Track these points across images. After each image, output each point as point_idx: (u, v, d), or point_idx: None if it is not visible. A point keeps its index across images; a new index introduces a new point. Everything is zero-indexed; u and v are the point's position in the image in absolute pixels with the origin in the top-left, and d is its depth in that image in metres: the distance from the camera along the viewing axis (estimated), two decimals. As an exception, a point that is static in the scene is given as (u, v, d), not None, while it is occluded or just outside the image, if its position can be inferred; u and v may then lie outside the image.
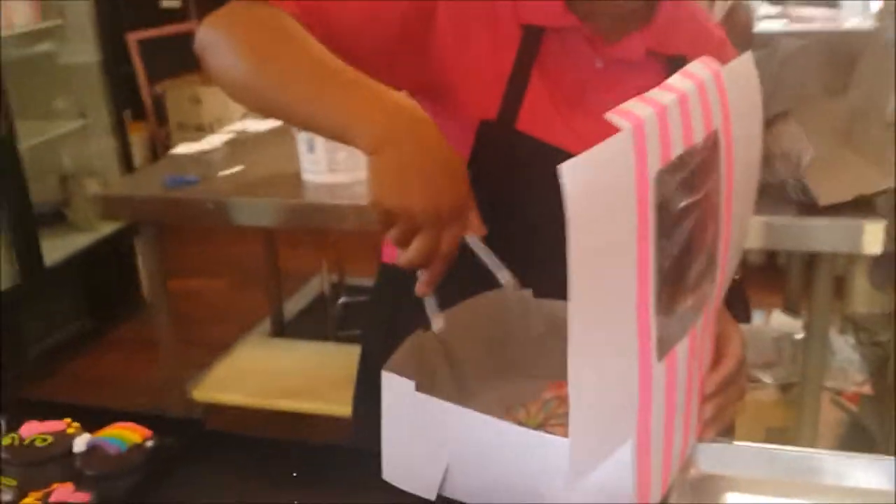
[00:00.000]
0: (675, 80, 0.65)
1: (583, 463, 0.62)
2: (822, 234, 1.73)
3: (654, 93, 0.62)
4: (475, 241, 0.78)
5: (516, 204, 0.92)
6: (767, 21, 3.08)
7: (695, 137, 0.64)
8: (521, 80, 0.92)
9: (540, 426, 0.86)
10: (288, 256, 3.07)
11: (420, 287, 0.77)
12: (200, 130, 3.81)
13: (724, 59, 0.69)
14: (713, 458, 0.84)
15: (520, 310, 0.90)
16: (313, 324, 3.04)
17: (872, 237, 1.67)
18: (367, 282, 1.17)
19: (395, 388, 0.76)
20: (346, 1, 0.87)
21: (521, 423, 0.87)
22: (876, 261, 1.98)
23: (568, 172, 0.52)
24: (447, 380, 0.87)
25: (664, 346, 0.66)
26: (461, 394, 0.87)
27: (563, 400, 0.84)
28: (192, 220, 2.19)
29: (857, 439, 2.15)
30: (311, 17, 0.84)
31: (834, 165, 1.75)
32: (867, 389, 2.28)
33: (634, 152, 0.57)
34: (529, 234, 0.88)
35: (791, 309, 2.70)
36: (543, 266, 0.73)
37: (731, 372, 0.80)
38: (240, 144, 2.41)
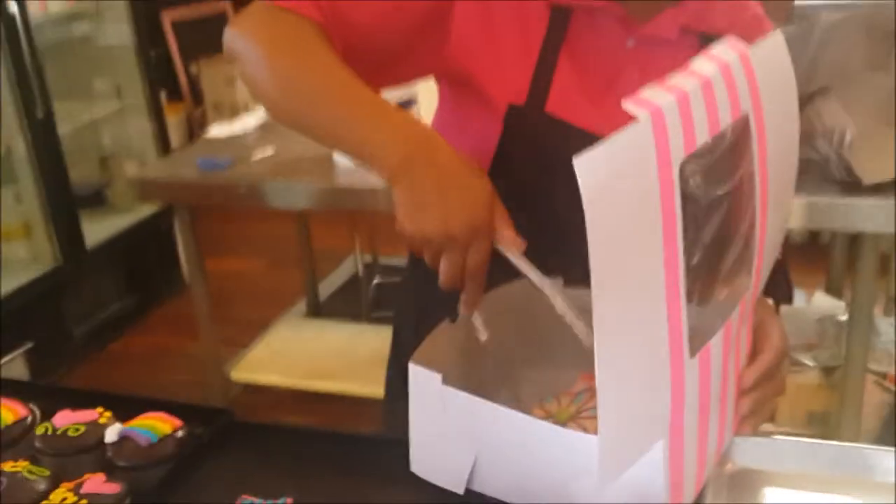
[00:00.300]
0: (699, 63, 0.62)
1: (612, 465, 0.61)
2: (865, 214, 1.68)
3: (676, 79, 0.60)
4: (514, 256, 0.77)
5: (547, 189, 0.90)
6: (809, -9, 2.98)
7: (721, 123, 0.61)
8: (550, 63, 0.89)
9: (571, 418, 0.85)
10: (321, 236, 3.08)
11: (462, 308, 0.80)
12: (235, 110, 3.82)
13: (760, 36, 0.66)
14: (750, 451, 0.81)
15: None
16: (348, 304, 3.05)
17: (918, 216, 1.63)
18: (401, 262, 1.17)
19: (422, 381, 0.75)
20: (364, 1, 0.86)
21: (552, 415, 0.86)
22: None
23: (582, 165, 0.51)
24: (477, 369, 0.85)
25: (698, 342, 0.64)
26: (492, 383, 0.86)
27: (595, 392, 0.83)
28: (225, 203, 2.21)
29: (902, 424, 2.10)
30: (332, 24, 0.85)
31: (878, 143, 1.69)
32: (912, 372, 2.23)
33: (655, 142, 0.55)
34: (560, 219, 0.86)
35: (834, 289, 2.64)
36: (575, 253, 0.71)
37: (770, 366, 0.78)
38: (272, 127, 2.41)
